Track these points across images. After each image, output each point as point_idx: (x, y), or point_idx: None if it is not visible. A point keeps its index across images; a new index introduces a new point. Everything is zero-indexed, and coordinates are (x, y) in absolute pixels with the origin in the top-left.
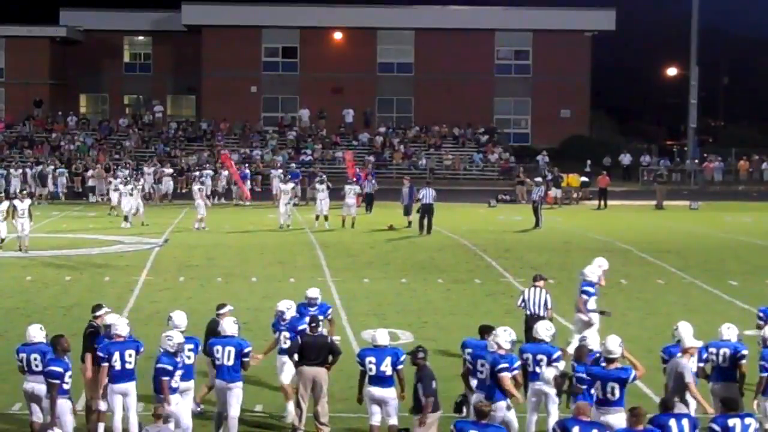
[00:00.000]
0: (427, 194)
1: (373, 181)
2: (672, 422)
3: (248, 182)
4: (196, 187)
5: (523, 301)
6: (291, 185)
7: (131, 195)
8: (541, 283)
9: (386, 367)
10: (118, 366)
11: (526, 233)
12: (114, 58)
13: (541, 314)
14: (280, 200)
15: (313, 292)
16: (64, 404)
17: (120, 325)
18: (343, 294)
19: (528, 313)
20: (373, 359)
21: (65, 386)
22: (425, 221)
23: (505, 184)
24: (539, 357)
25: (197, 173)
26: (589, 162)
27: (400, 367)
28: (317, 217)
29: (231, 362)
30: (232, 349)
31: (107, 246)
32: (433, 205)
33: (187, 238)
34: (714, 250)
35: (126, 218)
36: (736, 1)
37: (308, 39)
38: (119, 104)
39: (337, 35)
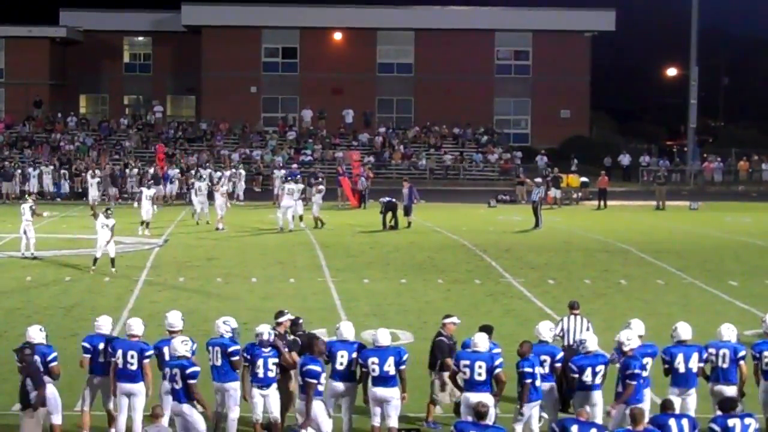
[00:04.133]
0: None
1: (363, 179)
2: (672, 422)
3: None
4: (223, 188)
5: (562, 330)
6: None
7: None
8: (578, 310)
9: (389, 367)
10: (120, 365)
11: (526, 233)
12: (114, 59)
13: None
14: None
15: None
16: (319, 406)
17: (134, 324)
18: (343, 294)
19: (566, 344)
20: (375, 360)
21: (320, 387)
22: (389, 218)
23: (505, 184)
24: (543, 357)
25: (219, 174)
26: (575, 161)
27: (402, 367)
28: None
29: (219, 362)
30: (219, 349)
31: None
32: (395, 202)
33: (187, 239)
34: (714, 251)
35: (146, 224)
36: (735, 1)
37: (308, 39)
38: (119, 104)
39: (337, 35)
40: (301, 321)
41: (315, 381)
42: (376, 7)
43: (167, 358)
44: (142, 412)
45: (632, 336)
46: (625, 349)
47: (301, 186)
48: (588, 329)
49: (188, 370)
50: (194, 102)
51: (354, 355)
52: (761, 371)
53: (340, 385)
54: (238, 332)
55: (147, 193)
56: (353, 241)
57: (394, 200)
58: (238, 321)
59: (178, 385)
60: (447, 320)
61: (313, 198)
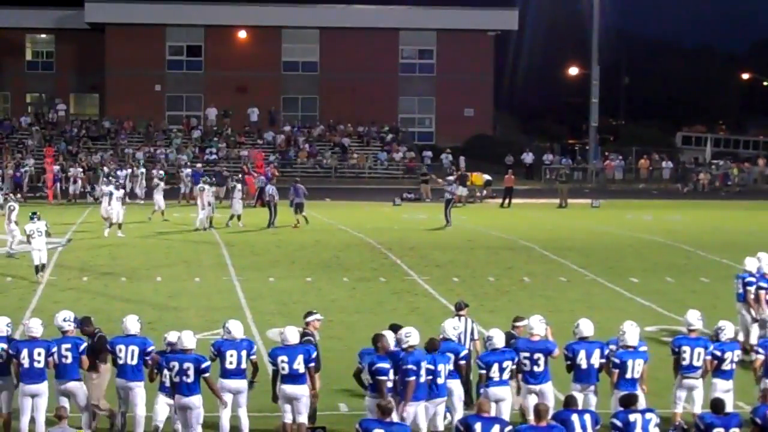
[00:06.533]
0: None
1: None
2: (574, 417)
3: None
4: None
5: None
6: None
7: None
8: (464, 311)
9: (299, 365)
10: (26, 364)
11: (431, 232)
12: (16, 56)
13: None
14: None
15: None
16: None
17: (33, 324)
18: (248, 293)
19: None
20: (285, 358)
21: (389, 384)
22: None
23: (410, 182)
24: (447, 355)
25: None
26: (462, 158)
27: (311, 364)
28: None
29: (134, 361)
30: (136, 348)
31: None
32: (271, 199)
33: (91, 238)
34: (615, 248)
35: (119, 225)
36: (635, 2)
37: (213, 37)
38: (21, 103)
39: (242, 34)
40: (92, 319)
41: (385, 378)
42: (281, 6)
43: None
44: (45, 413)
45: (411, 331)
46: (404, 345)
47: (214, 188)
48: (473, 331)
49: (203, 365)
50: (98, 100)
51: (243, 353)
52: (680, 366)
53: (232, 383)
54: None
55: (117, 194)
56: (258, 240)
57: (272, 196)
58: (143, 320)
59: (190, 379)
60: (308, 318)
61: (236, 195)
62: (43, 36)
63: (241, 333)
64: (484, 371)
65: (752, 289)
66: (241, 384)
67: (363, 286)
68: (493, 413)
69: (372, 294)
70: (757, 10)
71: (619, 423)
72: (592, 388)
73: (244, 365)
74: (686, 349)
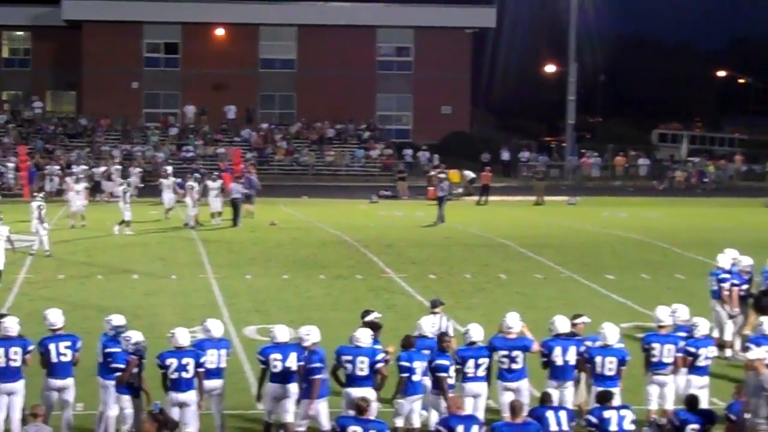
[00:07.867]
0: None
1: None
2: (550, 414)
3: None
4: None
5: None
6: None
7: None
8: (439, 309)
9: (291, 363)
10: (2, 363)
11: (408, 229)
12: None
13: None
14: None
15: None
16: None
17: (9, 323)
18: (225, 290)
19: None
20: (278, 356)
21: (450, 380)
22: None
23: (387, 180)
24: (424, 352)
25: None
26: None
27: (302, 363)
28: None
29: (100, 359)
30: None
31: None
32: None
33: (66, 236)
34: (591, 245)
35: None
36: (612, 1)
37: (190, 35)
38: None
39: (219, 31)
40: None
41: (446, 374)
42: (258, 3)
43: (53, 355)
44: (20, 411)
45: (310, 330)
46: (305, 344)
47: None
48: (447, 328)
49: (202, 359)
50: (75, 98)
51: (222, 352)
52: (650, 363)
53: (210, 383)
54: (123, 329)
55: (129, 191)
56: (235, 237)
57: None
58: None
59: (189, 375)
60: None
61: (211, 193)
62: (20, 33)
63: (221, 332)
64: (459, 366)
65: (726, 285)
66: (218, 384)
67: (340, 284)
68: (470, 409)
69: (349, 291)
70: (734, 8)
71: (594, 419)
72: (568, 384)
73: (223, 365)
74: (656, 345)
